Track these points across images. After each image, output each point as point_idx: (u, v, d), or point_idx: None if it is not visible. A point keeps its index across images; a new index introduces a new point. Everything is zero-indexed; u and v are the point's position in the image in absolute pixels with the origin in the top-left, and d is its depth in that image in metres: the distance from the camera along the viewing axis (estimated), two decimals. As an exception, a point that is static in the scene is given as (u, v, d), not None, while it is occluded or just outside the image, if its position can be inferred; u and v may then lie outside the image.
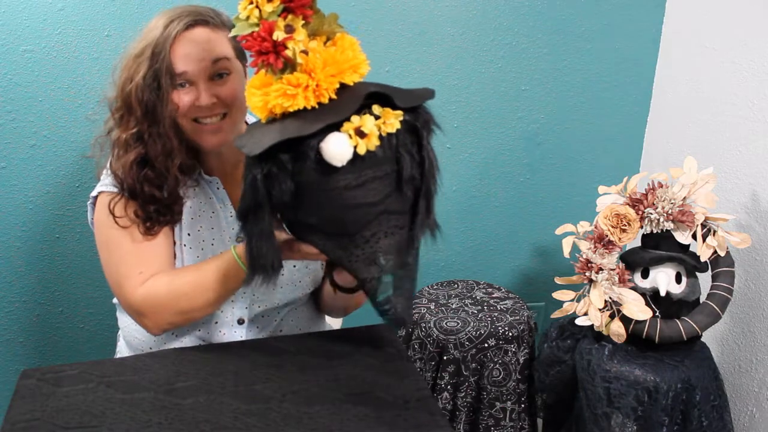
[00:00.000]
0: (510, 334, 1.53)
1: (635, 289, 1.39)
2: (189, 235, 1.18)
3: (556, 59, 1.86)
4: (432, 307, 1.63)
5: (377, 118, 0.85)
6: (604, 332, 1.38)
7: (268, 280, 0.96)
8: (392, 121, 0.85)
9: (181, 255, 1.17)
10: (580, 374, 1.44)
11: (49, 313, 1.71)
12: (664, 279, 1.39)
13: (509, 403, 1.55)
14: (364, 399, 0.99)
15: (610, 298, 1.36)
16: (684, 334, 1.37)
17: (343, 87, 0.86)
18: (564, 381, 1.50)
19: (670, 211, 1.37)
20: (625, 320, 1.36)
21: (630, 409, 1.36)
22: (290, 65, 0.85)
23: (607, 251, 1.37)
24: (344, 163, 0.84)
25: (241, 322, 1.20)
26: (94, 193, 1.18)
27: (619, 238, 1.38)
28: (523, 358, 1.55)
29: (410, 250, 0.95)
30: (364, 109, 0.85)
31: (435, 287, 1.76)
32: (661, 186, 1.40)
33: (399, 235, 0.92)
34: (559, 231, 1.47)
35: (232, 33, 0.87)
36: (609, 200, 1.44)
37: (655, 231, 1.39)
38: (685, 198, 1.39)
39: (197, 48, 1.07)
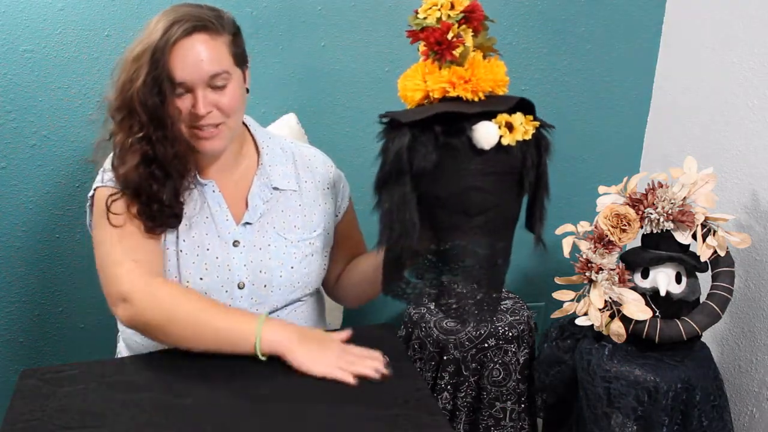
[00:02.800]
0: (510, 334, 1.53)
1: (635, 289, 1.39)
2: (184, 241, 1.17)
3: (556, 59, 1.86)
4: (432, 307, 1.63)
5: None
6: (604, 332, 1.38)
7: (409, 246, 1.00)
8: (530, 129, 0.99)
9: (176, 261, 1.16)
10: (580, 374, 1.43)
11: (49, 313, 1.71)
12: (664, 279, 1.39)
13: (509, 403, 1.55)
14: (364, 399, 0.99)
15: (610, 298, 1.36)
16: (684, 334, 1.37)
17: (488, 95, 1.01)
18: (564, 381, 1.50)
19: (670, 211, 1.37)
20: (625, 320, 1.36)
21: (630, 409, 1.36)
22: (456, 62, 1.00)
23: (607, 251, 1.37)
24: (486, 149, 0.96)
25: None
26: (90, 193, 1.18)
27: (619, 238, 1.38)
28: (523, 358, 1.55)
29: (503, 253, 1.06)
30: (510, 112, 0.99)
31: (435, 287, 1.76)
32: (661, 186, 1.40)
33: (502, 234, 1.04)
34: (559, 231, 1.47)
35: (410, 22, 1.04)
36: (609, 200, 1.44)
37: (655, 231, 1.39)
38: (685, 198, 1.39)
39: (195, 58, 1.07)
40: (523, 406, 1.58)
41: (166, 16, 1.08)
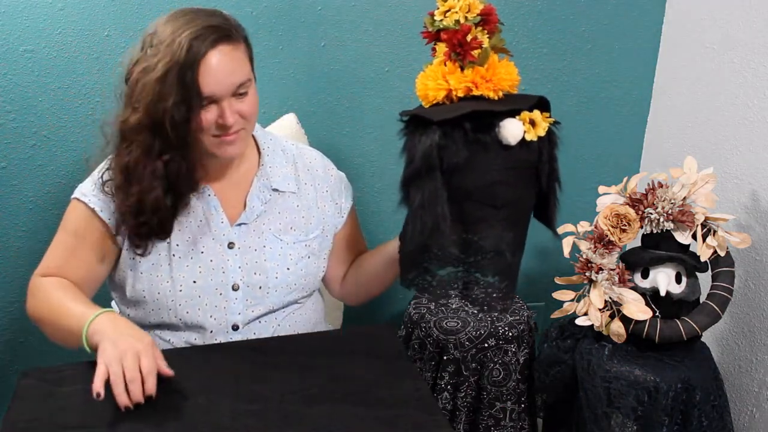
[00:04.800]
0: (510, 334, 1.53)
1: (635, 289, 1.39)
2: (178, 245, 1.17)
3: (556, 59, 1.86)
4: (432, 307, 1.63)
5: None
6: (604, 332, 1.38)
7: (440, 239, 1.05)
8: (545, 125, 1.06)
9: (170, 266, 1.16)
10: (580, 374, 1.43)
11: (49, 313, 1.71)
12: (664, 279, 1.39)
13: (509, 403, 1.54)
14: (364, 399, 0.99)
15: (610, 298, 1.36)
16: (684, 334, 1.37)
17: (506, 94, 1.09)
18: (564, 381, 1.50)
19: (670, 211, 1.37)
20: (625, 320, 1.36)
21: (630, 409, 1.36)
22: (475, 62, 1.06)
23: (607, 251, 1.37)
24: (513, 144, 1.03)
25: (235, 327, 1.19)
26: (74, 195, 1.20)
27: (619, 238, 1.38)
28: (523, 358, 1.55)
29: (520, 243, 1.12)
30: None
31: (435, 287, 1.76)
32: (661, 186, 1.40)
33: (520, 225, 1.11)
34: (559, 231, 1.46)
35: (427, 24, 1.09)
36: (609, 200, 1.44)
37: (655, 231, 1.39)
38: (685, 198, 1.39)
39: (224, 70, 1.06)
40: (523, 406, 1.58)
41: (182, 27, 1.05)
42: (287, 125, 1.59)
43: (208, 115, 1.08)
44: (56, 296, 1.14)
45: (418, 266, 1.12)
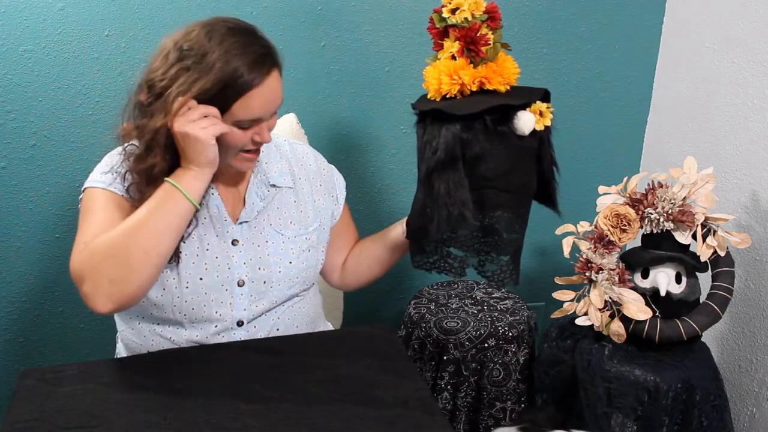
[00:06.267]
0: (510, 334, 1.53)
1: (635, 289, 1.39)
2: (184, 242, 1.17)
3: (556, 59, 1.86)
4: (432, 307, 1.63)
5: None
6: (604, 332, 1.38)
7: (463, 225, 1.13)
8: (550, 115, 1.16)
9: (176, 264, 1.17)
10: (580, 374, 1.43)
11: (49, 313, 1.71)
12: (664, 279, 1.39)
13: (509, 403, 1.55)
14: (364, 399, 0.99)
15: (610, 298, 1.36)
16: (684, 334, 1.37)
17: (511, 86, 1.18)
18: (564, 381, 1.50)
19: (670, 211, 1.37)
20: (625, 320, 1.36)
21: (630, 409, 1.36)
22: (486, 59, 1.14)
23: (607, 251, 1.37)
24: (525, 134, 1.13)
25: (240, 324, 1.20)
26: (86, 186, 1.17)
27: (619, 238, 1.38)
28: (523, 358, 1.55)
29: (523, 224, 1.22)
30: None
31: (435, 287, 1.76)
32: (661, 186, 1.40)
33: (526, 207, 1.20)
34: (559, 231, 1.46)
35: (435, 21, 1.15)
36: (609, 200, 1.44)
37: (655, 231, 1.39)
38: (685, 198, 1.39)
39: (273, 95, 1.11)
40: (523, 406, 1.58)
41: (234, 51, 1.06)
42: (287, 125, 1.59)
43: (246, 135, 1.11)
44: (120, 225, 1.07)
45: (434, 249, 1.21)
